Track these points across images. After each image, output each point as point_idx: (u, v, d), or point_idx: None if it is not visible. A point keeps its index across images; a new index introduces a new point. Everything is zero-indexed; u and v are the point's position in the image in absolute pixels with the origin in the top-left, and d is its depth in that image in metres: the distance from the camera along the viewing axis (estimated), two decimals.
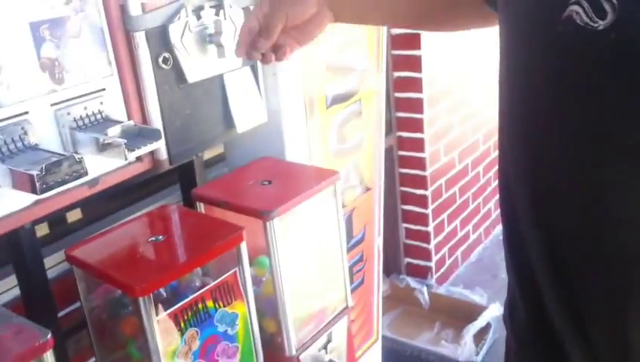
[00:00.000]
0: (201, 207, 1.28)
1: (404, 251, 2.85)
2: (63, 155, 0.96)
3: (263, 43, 0.85)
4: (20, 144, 1.00)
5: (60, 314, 1.26)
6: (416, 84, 2.49)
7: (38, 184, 0.89)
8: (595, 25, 0.54)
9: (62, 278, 1.30)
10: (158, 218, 1.16)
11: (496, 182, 0.75)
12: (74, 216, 1.51)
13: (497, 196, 0.74)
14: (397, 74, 2.51)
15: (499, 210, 0.74)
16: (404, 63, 2.48)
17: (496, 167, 0.75)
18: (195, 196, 1.29)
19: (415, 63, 2.46)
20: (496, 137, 0.74)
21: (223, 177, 1.39)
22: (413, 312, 2.67)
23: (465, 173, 2.96)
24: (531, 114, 0.64)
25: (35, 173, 0.89)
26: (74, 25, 1.07)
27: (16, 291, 1.23)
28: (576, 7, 0.55)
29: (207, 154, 1.66)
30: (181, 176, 1.49)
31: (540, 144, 0.64)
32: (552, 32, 0.58)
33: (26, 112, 1.01)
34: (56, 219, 1.41)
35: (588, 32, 0.54)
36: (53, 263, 1.33)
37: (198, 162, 1.48)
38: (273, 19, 0.84)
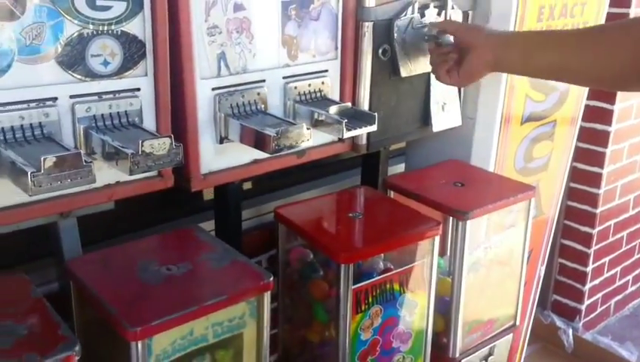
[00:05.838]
0: (391, 195, 1.32)
1: (554, 287, 2.70)
2: (293, 123, 1.05)
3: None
4: (254, 107, 1.11)
5: None
6: (606, 116, 2.34)
7: (272, 144, 0.98)
8: None
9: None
10: (355, 196, 1.22)
11: None
12: (246, 184, 1.57)
13: None
14: (586, 102, 2.38)
15: None
16: (597, 92, 2.34)
17: None
18: (387, 183, 1.34)
19: (609, 94, 2.32)
20: None
21: (413, 172, 1.42)
22: (552, 352, 2.55)
23: (638, 220, 2.73)
24: None
25: (272, 133, 0.98)
26: (316, 8, 1.17)
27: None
28: None
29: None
30: (365, 163, 1.55)
31: None
32: None
33: (263, 80, 1.13)
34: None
35: None
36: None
37: (384, 153, 1.53)
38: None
